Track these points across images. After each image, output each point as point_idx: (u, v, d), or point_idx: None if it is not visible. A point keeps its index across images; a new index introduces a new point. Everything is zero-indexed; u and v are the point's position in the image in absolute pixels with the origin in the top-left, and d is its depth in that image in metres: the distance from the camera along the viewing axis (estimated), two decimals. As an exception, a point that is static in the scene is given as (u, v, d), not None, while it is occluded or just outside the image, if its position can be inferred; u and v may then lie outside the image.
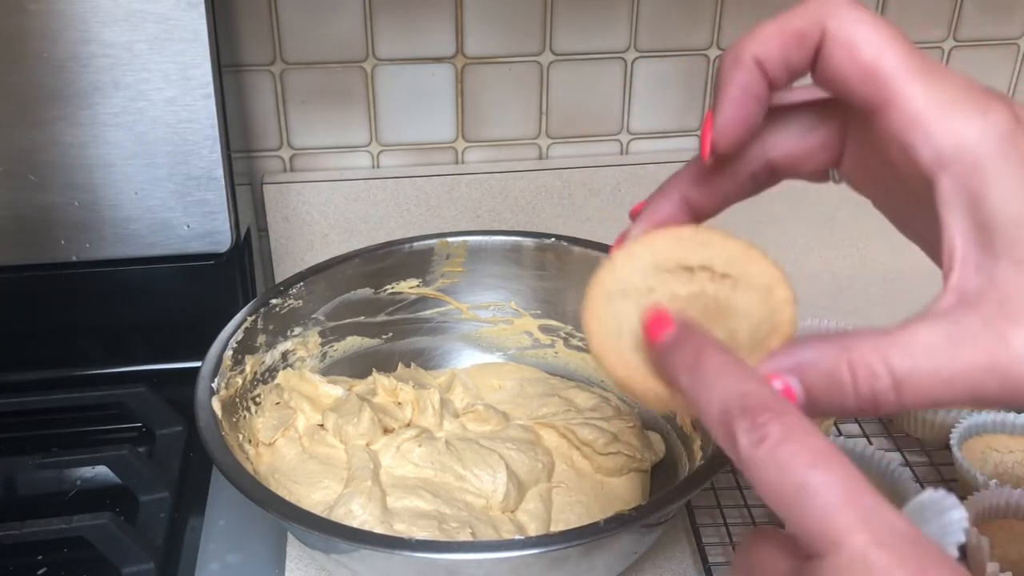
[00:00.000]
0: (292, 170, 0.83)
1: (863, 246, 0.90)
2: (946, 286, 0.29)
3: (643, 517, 0.46)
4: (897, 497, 0.55)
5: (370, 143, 0.83)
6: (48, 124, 0.64)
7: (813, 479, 0.25)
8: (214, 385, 0.54)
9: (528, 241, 0.68)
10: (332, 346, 0.66)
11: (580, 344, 0.68)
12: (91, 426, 0.67)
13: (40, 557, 0.56)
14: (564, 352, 0.69)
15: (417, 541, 0.45)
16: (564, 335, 0.69)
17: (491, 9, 0.78)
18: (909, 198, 0.32)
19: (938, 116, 0.29)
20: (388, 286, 0.67)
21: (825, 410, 0.29)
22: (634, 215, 0.37)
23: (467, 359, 0.70)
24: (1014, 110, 0.29)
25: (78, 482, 0.63)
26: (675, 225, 0.35)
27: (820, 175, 0.36)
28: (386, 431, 0.59)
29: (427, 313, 0.69)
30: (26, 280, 0.69)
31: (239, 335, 0.58)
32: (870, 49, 0.30)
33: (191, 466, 0.64)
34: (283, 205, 0.81)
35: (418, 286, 0.67)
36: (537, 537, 0.50)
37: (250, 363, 0.59)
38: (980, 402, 0.28)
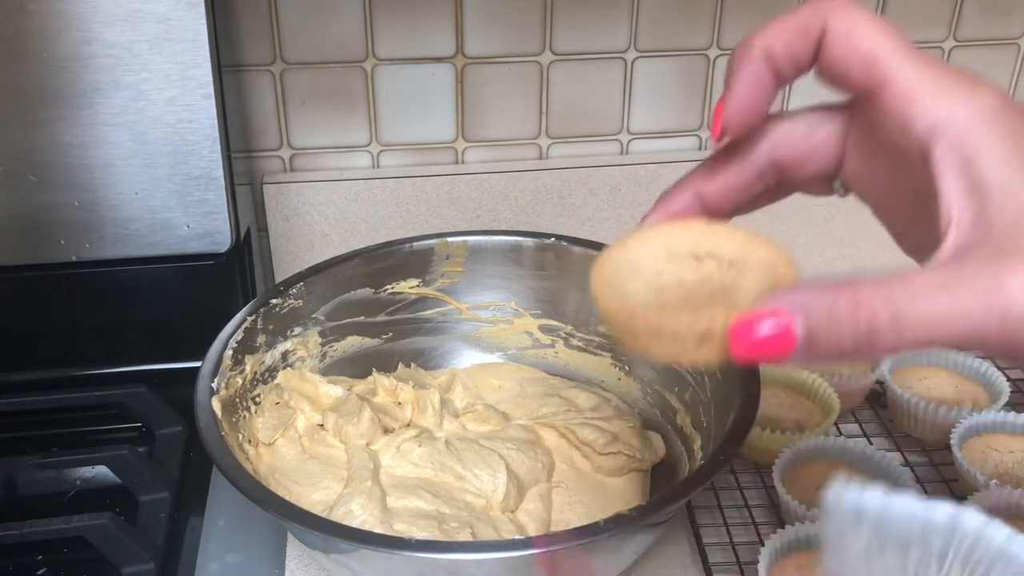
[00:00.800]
0: (292, 170, 0.83)
1: (863, 246, 0.90)
2: (944, 243, 0.30)
3: (643, 517, 0.46)
4: None
5: (370, 143, 0.83)
6: (48, 124, 0.64)
7: None
8: (214, 385, 0.54)
9: (528, 241, 0.67)
10: (332, 346, 0.66)
11: (580, 344, 0.68)
12: (91, 426, 0.67)
13: (40, 557, 0.56)
14: (564, 352, 0.69)
15: (417, 541, 0.45)
16: (564, 335, 0.69)
17: (491, 9, 0.78)
18: (906, 192, 0.34)
19: (932, 94, 0.31)
20: (388, 286, 0.66)
21: (823, 349, 0.29)
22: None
23: (467, 359, 0.70)
24: (1000, 92, 0.31)
25: (78, 482, 0.63)
26: (687, 218, 0.37)
27: (824, 184, 0.38)
28: (386, 431, 0.59)
29: (427, 313, 0.69)
30: (26, 280, 0.69)
31: (239, 335, 0.58)
32: (868, 39, 0.33)
33: (191, 466, 0.64)
34: (283, 205, 0.81)
35: (418, 286, 0.67)
36: (537, 537, 0.49)
37: (250, 363, 0.59)
38: (980, 344, 0.29)
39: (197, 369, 0.55)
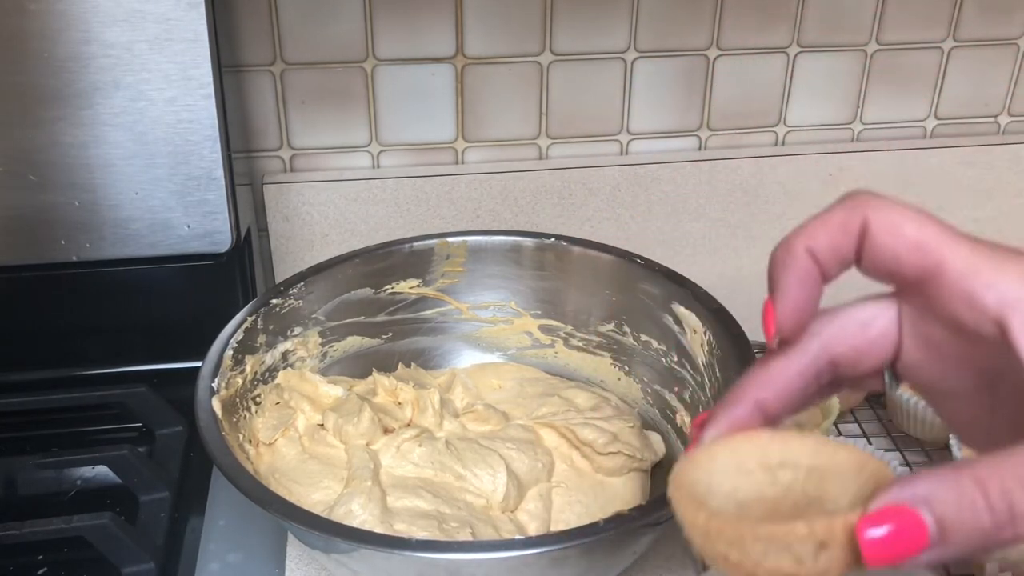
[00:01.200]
0: (292, 170, 0.83)
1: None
2: None
3: (643, 517, 0.46)
4: None
5: (370, 143, 0.83)
6: (48, 124, 0.64)
7: None
8: (214, 385, 0.54)
9: (528, 241, 0.67)
10: (332, 346, 0.66)
11: (580, 344, 0.69)
12: (91, 426, 0.67)
13: (40, 557, 0.56)
14: (564, 352, 0.69)
15: (417, 541, 0.45)
16: (564, 335, 0.69)
17: (491, 9, 0.78)
18: (971, 376, 0.33)
19: (993, 269, 0.31)
20: (388, 286, 0.66)
21: (960, 538, 0.27)
22: (698, 425, 0.37)
23: (467, 359, 0.70)
24: None
25: (78, 482, 0.63)
26: (751, 430, 0.35)
27: (877, 379, 0.37)
28: (386, 431, 0.59)
29: (427, 313, 0.69)
30: (26, 280, 0.69)
31: (239, 335, 0.58)
32: (913, 225, 0.32)
33: (191, 466, 0.64)
34: (283, 205, 0.81)
35: (418, 286, 0.67)
36: (537, 537, 0.50)
37: (250, 363, 0.59)
38: None
39: (197, 369, 0.55)
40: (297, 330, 0.63)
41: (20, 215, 0.66)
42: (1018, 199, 0.92)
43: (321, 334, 0.65)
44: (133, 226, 0.68)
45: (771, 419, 0.36)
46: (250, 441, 0.57)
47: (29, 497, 0.62)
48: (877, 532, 0.27)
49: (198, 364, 0.55)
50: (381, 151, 0.83)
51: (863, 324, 0.36)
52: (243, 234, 0.73)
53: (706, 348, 0.59)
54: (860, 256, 0.34)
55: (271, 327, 0.61)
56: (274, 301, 0.61)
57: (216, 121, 0.66)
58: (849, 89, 0.87)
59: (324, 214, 0.82)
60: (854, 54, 0.86)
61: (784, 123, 0.88)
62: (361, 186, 0.81)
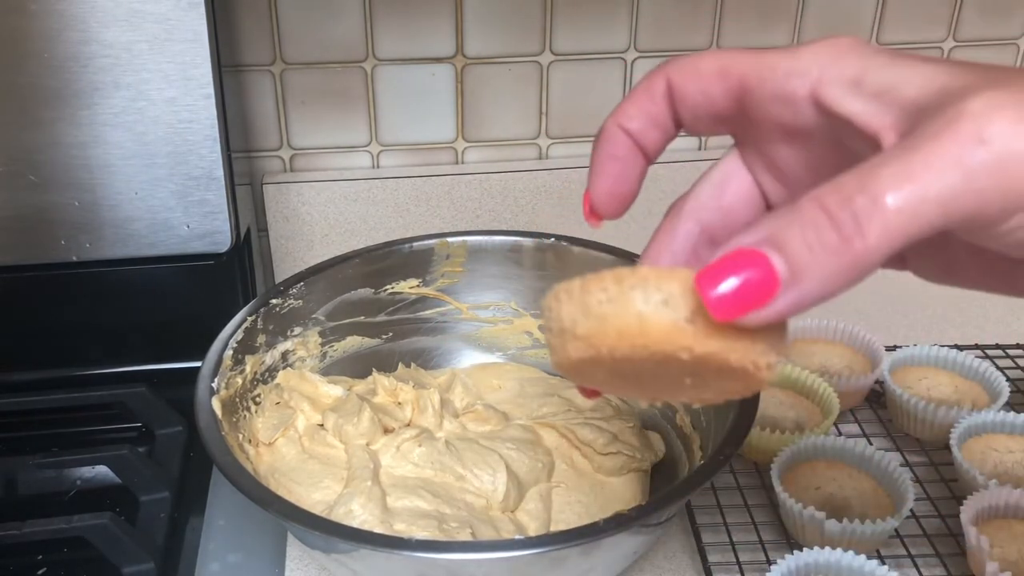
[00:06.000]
0: (292, 170, 0.83)
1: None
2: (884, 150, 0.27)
3: (643, 517, 0.46)
4: (897, 496, 0.55)
5: (370, 143, 0.83)
6: (48, 124, 0.64)
7: None
8: (214, 385, 0.54)
9: (528, 241, 0.67)
10: (332, 346, 0.66)
11: None
12: (91, 426, 0.67)
13: (40, 557, 0.56)
14: None
15: (417, 541, 0.45)
16: None
17: (491, 9, 0.78)
18: (825, 168, 0.32)
19: (786, 59, 0.31)
20: (388, 286, 0.66)
21: (814, 274, 0.25)
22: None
23: (467, 359, 0.70)
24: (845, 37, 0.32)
25: (78, 482, 0.63)
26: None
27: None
28: (386, 431, 0.59)
29: (427, 313, 0.69)
30: (26, 280, 0.69)
31: (239, 335, 0.58)
32: (709, 59, 0.33)
33: (191, 466, 0.64)
34: (283, 205, 0.81)
35: (418, 286, 0.67)
36: (537, 537, 0.49)
37: (250, 363, 0.59)
38: (981, 206, 0.25)
39: (197, 369, 0.55)
40: (297, 330, 0.63)
41: (20, 215, 0.66)
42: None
43: (321, 334, 0.65)
44: (133, 226, 0.68)
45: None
46: (250, 441, 0.57)
47: (29, 497, 0.62)
48: (721, 286, 0.25)
49: (198, 364, 0.55)
50: (381, 151, 0.83)
51: (718, 185, 0.36)
52: (243, 234, 0.73)
53: None
54: (677, 116, 0.34)
55: (271, 327, 0.61)
56: (274, 301, 0.61)
57: (216, 121, 0.66)
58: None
59: (324, 214, 0.82)
60: (854, 54, 0.86)
61: (784, 123, 0.88)
62: (361, 186, 0.81)
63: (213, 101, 0.65)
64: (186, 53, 0.63)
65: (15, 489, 0.63)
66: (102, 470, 0.62)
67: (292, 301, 0.62)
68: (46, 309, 0.70)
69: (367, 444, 0.58)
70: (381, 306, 0.67)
